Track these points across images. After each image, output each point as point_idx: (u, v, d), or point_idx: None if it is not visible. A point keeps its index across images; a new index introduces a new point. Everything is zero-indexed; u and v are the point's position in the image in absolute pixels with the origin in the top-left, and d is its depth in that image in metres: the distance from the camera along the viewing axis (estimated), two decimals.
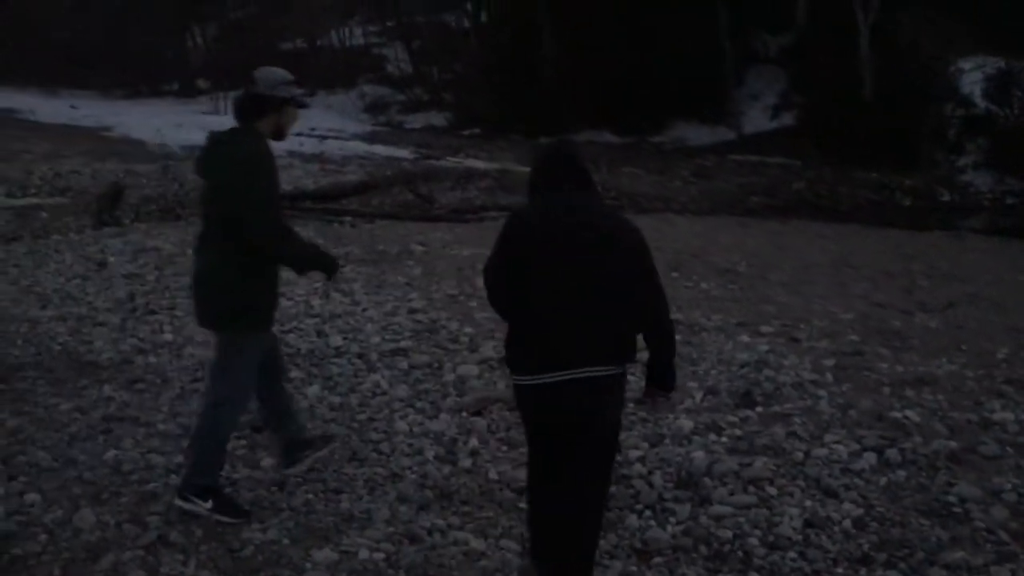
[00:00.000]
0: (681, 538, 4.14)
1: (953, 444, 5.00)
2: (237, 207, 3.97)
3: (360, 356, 6.44)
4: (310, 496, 4.45)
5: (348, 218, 12.90)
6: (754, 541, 4.10)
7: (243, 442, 4.97)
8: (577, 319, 3.33)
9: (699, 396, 5.75)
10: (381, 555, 3.95)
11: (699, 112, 24.99)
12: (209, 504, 4.13)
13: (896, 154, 18.19)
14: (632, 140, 25.05)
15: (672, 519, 4.30)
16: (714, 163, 20.85)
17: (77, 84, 34.15)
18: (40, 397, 5.68)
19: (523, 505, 4.39)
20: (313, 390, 5.75)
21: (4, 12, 34.46)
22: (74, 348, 6.64)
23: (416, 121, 30.48)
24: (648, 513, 4.35)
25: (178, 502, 4.19)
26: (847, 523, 4.23)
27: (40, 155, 18.32)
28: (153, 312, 7.57)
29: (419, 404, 5.61)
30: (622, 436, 4.10)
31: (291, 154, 17.29)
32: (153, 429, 5.22)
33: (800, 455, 4.88)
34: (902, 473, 4.71)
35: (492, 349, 6.49)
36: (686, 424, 5.25)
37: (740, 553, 4.03)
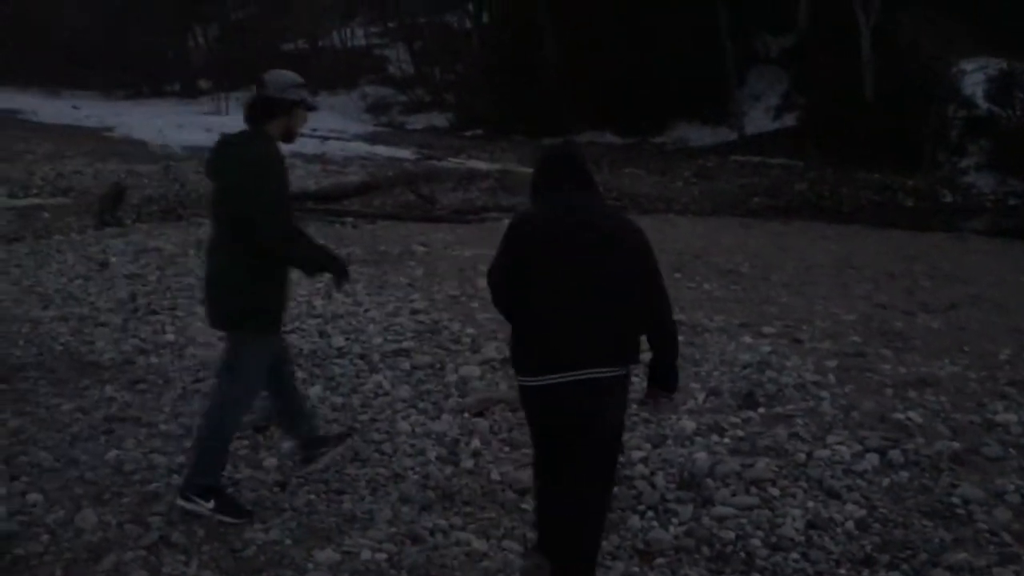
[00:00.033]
0: (683, 539, 4.13)
1: (956, 445, 4.99)
2: (247, 209, 3.99)
3: (362, 357, 6.43)
4: (312, 496, 4.45)
5: (350, 219, 12.91)
6: (756, 542, 4.09)
7: (245, 442, 4.96)
8: (579, 320, 3.33)
9: (701, 397, 5.75)
10: (383, 556, 3.95)
11: (701, 113, 24.99)
12: (211, 504, 4.13)
13: (898, 155, 18.18)
14: (634, 141, 25.06)
15: (674, 520, 4.30)
16: (716, 164, 20.84)
17: (79, 84, 34.21)
18: (42, 397, 5.68)
19: (525, 506, 4.40)
20: (315, 391, 5.75)
21: (6, 13, 34.49)
22: (76, 348, 6.64)
23: (418, 122, 30.51)
24: (650, 514, 4.35)
25: (180, 502, 4.19)
26: (850, 524, 4.23)
27: (42, 155, 18.35)
28: (155, 312, 7.57)
29: (421, 405, 5.61)
30: (625, 437, 4.10)
31: (293, 155, 17.28)
32: (155, 429, 5.22)
33: (803, 456, 4.88)
34: (905, 474, 4.70)
35: (494, 350, 6.48)
36: (688, 425, 5.24)
37: (742, 554, 4.02)
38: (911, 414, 5.43)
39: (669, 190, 17.39)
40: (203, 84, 35.54)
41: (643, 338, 3.48)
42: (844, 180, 17.82)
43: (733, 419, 5.39)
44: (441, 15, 33.67)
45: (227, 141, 4.24)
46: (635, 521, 4.27)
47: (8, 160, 17.16)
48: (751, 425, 5.32)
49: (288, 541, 4.04)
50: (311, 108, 4.33)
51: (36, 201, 13.69)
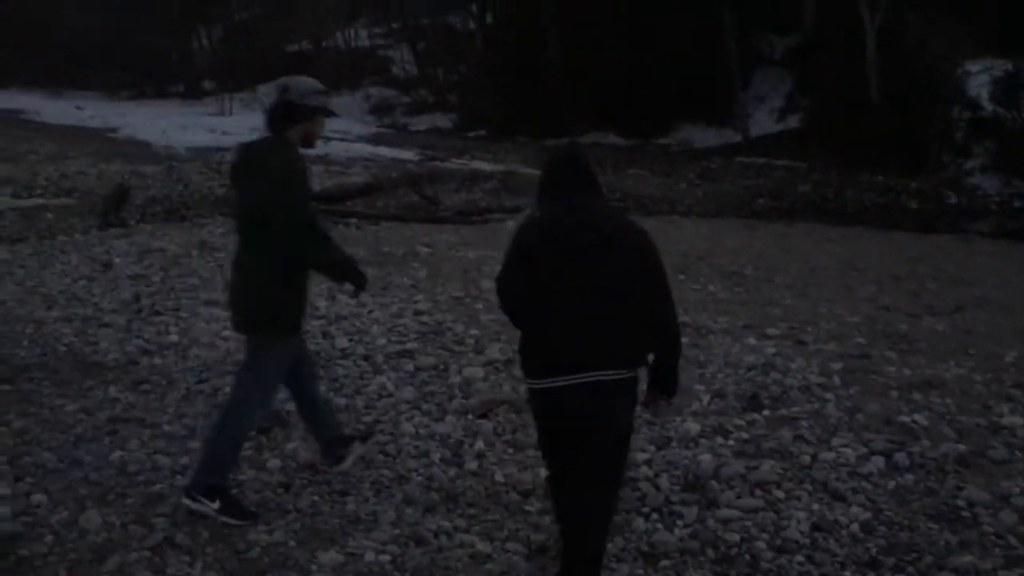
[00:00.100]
0: (688, 541, 4.12)
1: (961, 448, 4.98)
2: (271, 215, 4.03)
3: (366, 358, 6.43)
4: (316, 498, 4.44)
5: (353, 220, 12.92)
6: (761, 545, 4.08)
7: (249, 444, 4.95)
8: (583, 322, 3.32)
9: (706, 399, 5.73)
10: (387, 557, 3.94)
11: (705, 114, 24.98)
12: (216, 505, 4.13)
13: (903, 156, 18.15)
14: (637, 142, 25.06)
15: (679, 522, 4.28)
16: (720, 165, 20.84)
17: (82, 85, 34.28)
18: (46, 398, 5.68)
19: (529, 508, 4.40)
20: None
21: (9, 13, 34.56)
22: (80, 349, 6.65)
23: (421, 123, 30.53)
24: (655, 516, 4.34)
25: (185, 501, 4.19)
26: (855, 527, 4.21)
27: (46, 156, 18.39)
28: (158, 313, 7.58)
29: (425, 406, 5.60)
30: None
31: None
32: (159, 430, 5.22)
33: (807, 458, 4.86)
34: (910, 477, 4.69)
35: (498, 351, 6.48)
36: (693, 427, 5.23)
37: (747, 557, 4.01)
38: (916, 417, 5.42)
39: (673, 191, 17.39)
40: (207, 85, 35.59)
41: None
42: (848, 182, 17.81)
43: (738, 421, 5.38)
44: (444, 16, 33.69)
45: (250, 147, 4.31)
46: (640, 523, 4.26)
47: (12, 160, 17.20)
48: (756, 427, 5.31)
49: (292, 542, 4.04)
50: (330, 114, 4.38)
51: (40, 202, 13.71)
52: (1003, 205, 16.53)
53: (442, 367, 6.26)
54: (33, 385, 5.90)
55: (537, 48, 26.90)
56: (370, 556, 3.93)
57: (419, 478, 4.68)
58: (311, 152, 4.30)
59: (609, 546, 3.82)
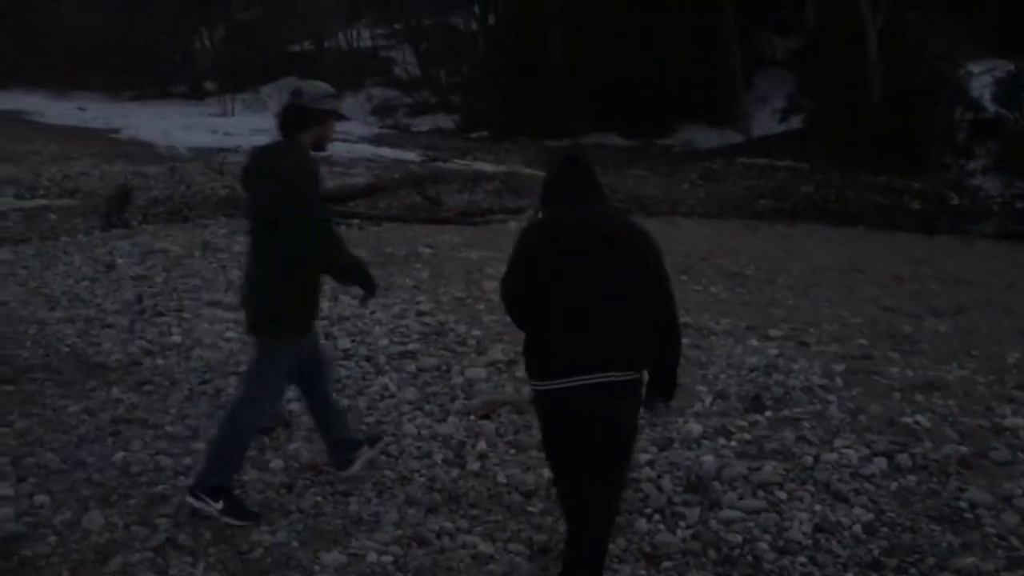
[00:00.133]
0: (690, 542, 4.12)
1: (964, 449, 4.98)
2: (283, 218, 4.05)
3: (368, 359, 6.44)
4: (319, 499, 4.45)
5: (355, 220, 12.92)
6: (764, 546, 4.08)
7: (252, 444, 4.96)
8: (587, 323, 3.32)
9: (708, 400, 5.73)
10: (389, 558, 3.94)
11: (707, 115, 24.99)
12: (220, 505, 4.14)
13: (905, 157, 18.13)
14: (639, 143, 25.06)
15: (681, 523, 4.29)
16: (722, 166, 20.82)
17: (85, 86, 34.29)
18: (49, 399, 5.69)
19: (532, 508, 4.41)
20: None
21: (12, 14, 34.60)
22: (82, 350, 6.65)
23: (423, 123, 30.54)
24: (657, 517, 4.34)
25: (189, 499, 4.20)
26: (857, 528, 4.21)
27: (48, 157, 18.42)
28: (161, 314, 7.58)
29: (427, 407, 5.60)
30: None
31: None
32: (161, 431, 5.22)
33: (810, 460, 4.86)
34: (912, 478, 4.69)
35: (500, 352, 6.48)
36: (695, 428, 5.23)
37: (750, 558, 4.01)
38: (919, 418, 5.42)
39: (675, 192, 17.38)
40: (209, 86, 35.61)
41: None
42: (850, 182, 17.79)
43: (740, 422, 5.38)
44: (446, 16, 33.70)
45: (262, 151, 4.35)
46: (642, 524, 4.26)
47: (15, 161, 17.22)
48: (758, 428, 5.31)
49: (295, 543, 4.04)
50: (342, 118, 4.40)
51: (43, 202, 13.73)
52: (1005, 206, 16.50)
53: (444, 368, 6.26)
54: (36, 386, 5.91)
55: (539, 49, 26.89)
56: (372, 557, 3.94)
57: (421, 479, 4.68)
58: (316, 154, 4.32)
59: (611, 547, 3.83)
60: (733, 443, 5.09)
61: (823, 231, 14.13)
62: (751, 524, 4.24)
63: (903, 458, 4.85)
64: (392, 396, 5.77)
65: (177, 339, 6.89)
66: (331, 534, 4.14)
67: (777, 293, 9.22)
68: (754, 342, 7.03)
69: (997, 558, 3.99)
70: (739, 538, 4.13)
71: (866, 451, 4.94)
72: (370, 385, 5.95)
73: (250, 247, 4.30)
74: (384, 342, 6.78)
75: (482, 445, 5.06)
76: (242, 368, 6.20)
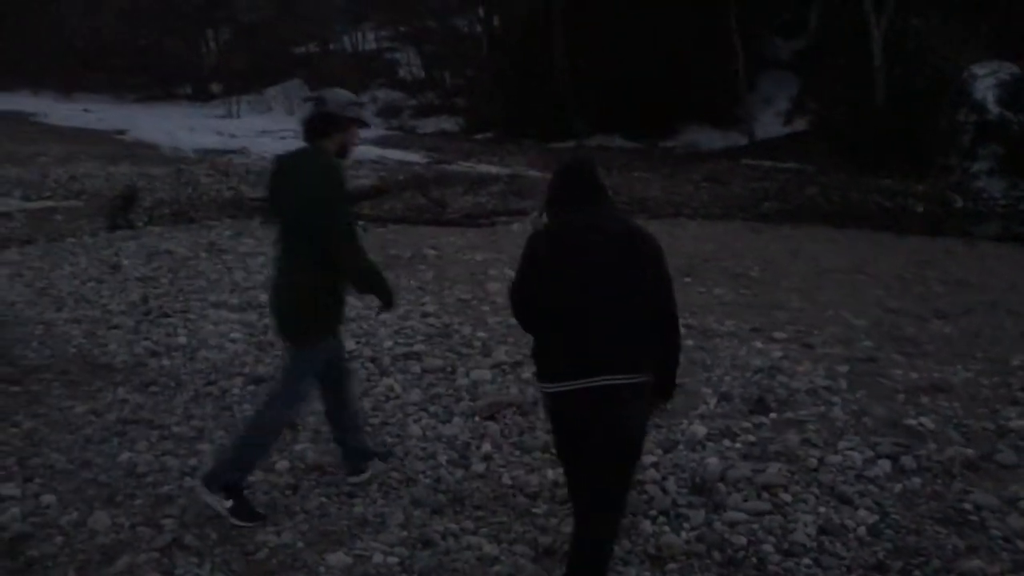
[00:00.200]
0: (695, 544, 4.13)
1: (969, 452, 4.97)
2: (310, 224, 4.09)
3: (373, 360, 6.45)
4: (324, 500, 4.46)
5: (361, 222, 12.93)
6: (768, 547, 4.08)
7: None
8: (593, 326, 3.34)
9: (713, 402, 5.73)
10: (395, 559, 3.95)
11: (711, 117, 25.01)
12: (229, 504, 4.16)
13: (909, 160, 18.13)
14: (643, 144, 25.09)
15: (686, 525, 4.29)
16: (726, 168, 20.83)
17: (90, 88, 34.40)
18: (55, 399, 5.71)
19: (536, 510, 4.41)
20: None
21: (17, 16, 34.69)
22: (89, 351, 6.68)
23: (428, 125, 30.61)
24: (662, 519, 4.34)
25: (200, 489, 4.21)
26: (862, 530, 4.21)
27: (55, 158, 18.48)
28: (167, 315, 7.61)
29: (432, 408, 5.61)
30: None
31: None
32: (167, 432, 5.24)
33: (814, 461, 4.86)
34: (917, 480, 4.69)
35: (505, 353, 6.49)
36: (700, 430, 5.23)
37: (754, 559, 4.01)
38: (923, 420, 5.42)
39: (679, 194, 17.38)
40: (214, 87, 35.71)
41: None
42: (854, 185, 17.78)
43: (744, 424, 5.38)
44: (451, 19, 33.75)
45: (288, 157, 4.37)
46: (647, 526, 4.26)
47: (21, 163, 17.28)
48: (762, 430, 5.31)
49: (300, 544, 4.06)
50: (365, 125, 4.43)
51: (49, 203, 13.79)
52: (1009, 208, 16.48)
53: (449, 369, 6.27)
54: (42, 386, 5.93)
55: (543, 51, 26.92)
56: (378, 558, 3.95)
57: (426, 480, 4.69)
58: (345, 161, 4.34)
59: (616, 548, 3.83)
60: (737, 445, 5.09)
61: (827, 233, 14.12)
62: (755, 526, 4.24)
63: (907, 460, 4.85)
64: (397, 397, 5.79)
65: (183, 340, 6.91)
66: (336, 535, 4.15)
67: (781, 295, 9.21)
68: (758, 344, 7.03)
69: (1002, 561, 3.98)
70: (744, 540, 4.14)
71: (870, 453, 4.94)
72: (375, 386, 5.97)
73: (278, 252, 4.33)
74: (389, 343, 6.79)
75: (487, 446, 5.07)
76: (247, 369, 6.24)
